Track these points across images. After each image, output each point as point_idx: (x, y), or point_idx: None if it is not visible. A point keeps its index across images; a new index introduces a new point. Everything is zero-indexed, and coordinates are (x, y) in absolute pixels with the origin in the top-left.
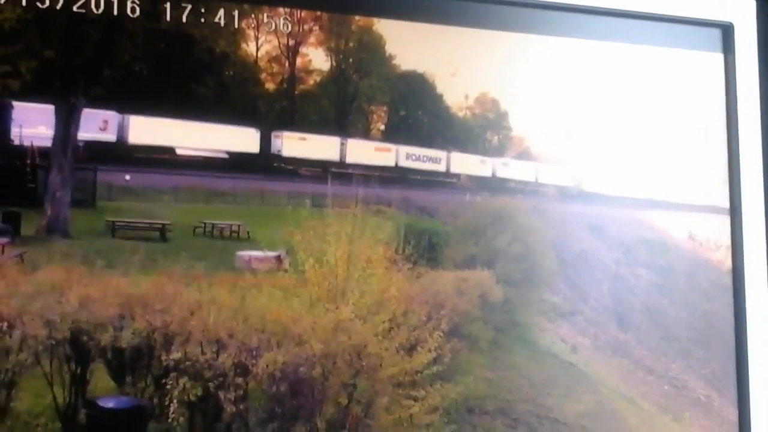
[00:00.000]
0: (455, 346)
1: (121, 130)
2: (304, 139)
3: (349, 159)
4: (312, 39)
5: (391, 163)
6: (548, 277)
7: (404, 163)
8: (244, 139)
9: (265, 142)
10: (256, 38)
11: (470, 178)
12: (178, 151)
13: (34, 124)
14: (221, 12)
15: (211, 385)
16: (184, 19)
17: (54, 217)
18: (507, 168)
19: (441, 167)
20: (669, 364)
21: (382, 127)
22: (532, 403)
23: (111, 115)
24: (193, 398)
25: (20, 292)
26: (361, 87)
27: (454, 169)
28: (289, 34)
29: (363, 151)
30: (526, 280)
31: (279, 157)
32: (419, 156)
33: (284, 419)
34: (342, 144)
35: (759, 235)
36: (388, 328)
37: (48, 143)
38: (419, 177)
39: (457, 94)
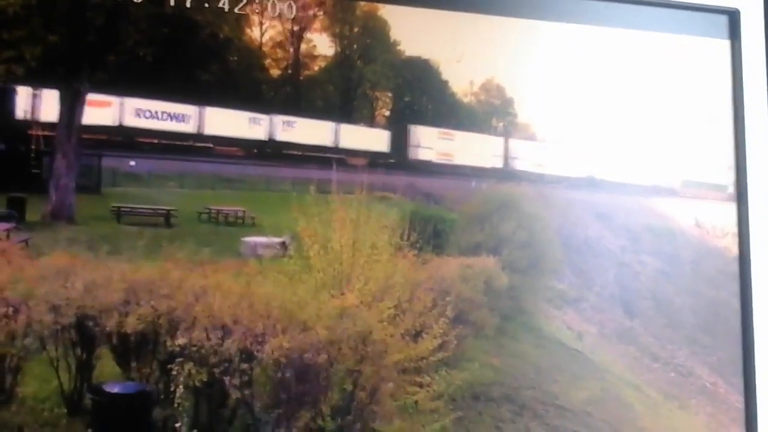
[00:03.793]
0: (460, 332)
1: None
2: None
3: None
4: (316, 25)
5: (114, 123)
6: (554, 264)
7: (132, 122)
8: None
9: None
10: (261, 24)
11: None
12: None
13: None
14: None
15: (216, 370)
16: (187, 4)
17: (59, 202)
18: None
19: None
20: (675, 351)
21: (387, 113)
22: (537, 390)
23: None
24: (198, 384)
25: (26, 277)
26: (365, 73)
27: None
28: (294, 20)
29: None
30: (532, 267)
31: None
32: (155, 112)
33: (289, 405)
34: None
35: (765, 222)
36: (393, 314)
37: (52, 129)
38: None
39: (462, 80)
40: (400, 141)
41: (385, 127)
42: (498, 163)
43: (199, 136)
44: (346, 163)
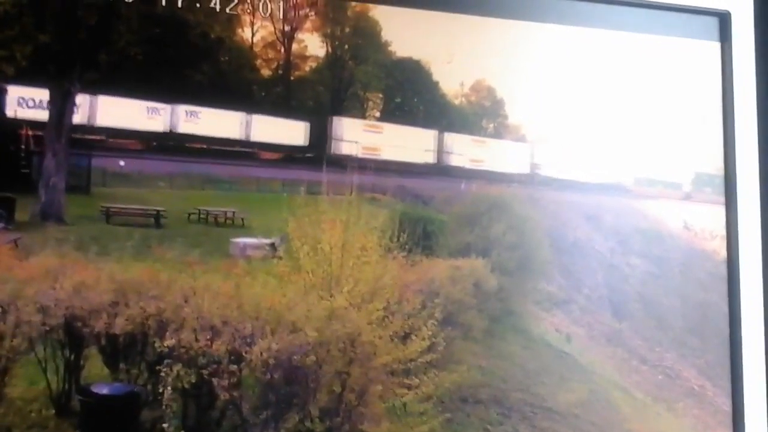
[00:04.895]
0: (449, 334)
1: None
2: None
3: None
4: (308, 25)
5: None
6: (543, 266)
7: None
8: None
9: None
10: (252, 24)
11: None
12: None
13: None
14: None
15: (204, 372)
16: (179, 4)
17: (48, 202)
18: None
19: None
20: (663, 353)
21: (378, 114)
22: (525, 392)
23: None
24: (186, 385)
25: (14, 277)
26: (356, 74)
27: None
28: (285, 20)
29: None
30: (521, 269)
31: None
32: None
33: (278, 407)
34: None
35: (754, 225)
36: (382, 316)
37: (42, 128)
38: None
39: (452, 81)
40: (320, 134)
41: (307, 119)
42: (430, 158)
43: (89, 128)
44: (257, 158)
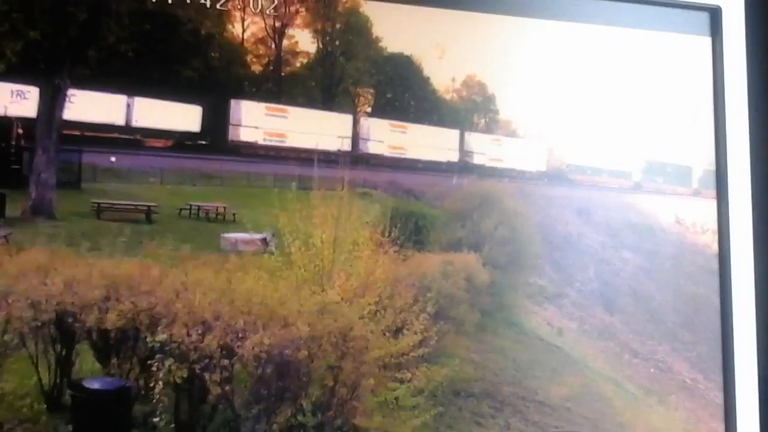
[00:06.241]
0: (441, 328)
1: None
2: None
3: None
4: (298, 21)
5: None
6: (534, 260)
7: None
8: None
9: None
10: (242, 20)
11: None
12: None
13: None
14: None
15: (196, 366)
16: (169, 0)
17: (39, 198)
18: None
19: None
20: (655, 347)
21: (369, 110)
22: (517, 386)
23: None
24: (178, 380)
25: (5, 273)
26: (347, 69)
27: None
28: (276, 16)
29: None
30: (513, 263)
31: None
32: None
33: (270, 401)
34: None
35: (745, 218)
36: (374, 310)
37: (32, 125)
38: None
39: (444, 76)
40: (218, 119)
41: (199, 102)
42: (346, 146)
43: None
44: (143, 146)
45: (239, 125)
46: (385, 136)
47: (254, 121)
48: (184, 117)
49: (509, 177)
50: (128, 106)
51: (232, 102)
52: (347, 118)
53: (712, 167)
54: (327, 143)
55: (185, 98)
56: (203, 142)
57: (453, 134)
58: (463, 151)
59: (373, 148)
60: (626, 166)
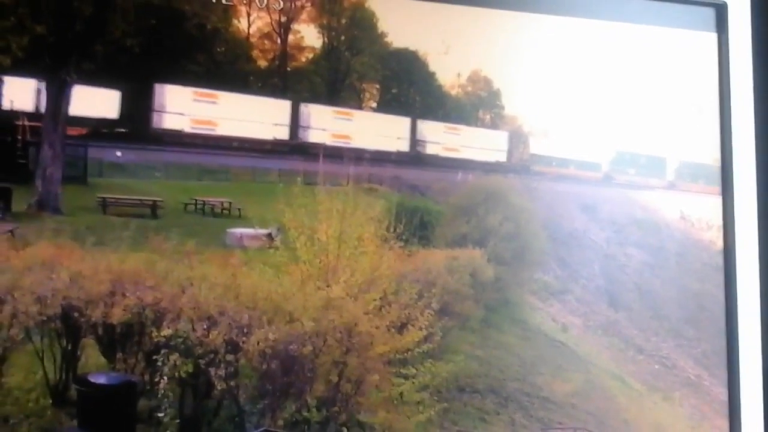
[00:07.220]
0: (446, 324)
1: None
2: None
3: None
4: (304, 16)
5: None
6: (539, 256)
7: None
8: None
9: None
10: (248, 14)
11: None
12: None
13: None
14: None
15: (201, 362)
16: None
17: (45, 193)
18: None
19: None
20: (659, 343)
21: (374, 105)
22: (522, 382)
23: None
24: (183, 375)
25: (11, 267)
26: (353, 64)
27: None
28: (281, 11)
29: None
30: (518, 259)
31: None
32: None
33: (274, 396)
34: None
35: (750, 214)
36: (379, 306)
37: (39, 119)
38: None
39: (449, 72)
40: (140, 105)
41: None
42: (283, 134)
43: None
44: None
45: (163, 111)
46: (328, 124)
47: (180, 107)
48: (101, 103)
49: (463, 168)
50: (38, 91)
51: (156, 86)
52: (285, 105)
53: (689, 159)
54: (261, 132)
55: None
56: (122, 130)
57: (404, 122)
58: (415, 140)
59: (313, 136)
60: (597, 158)
